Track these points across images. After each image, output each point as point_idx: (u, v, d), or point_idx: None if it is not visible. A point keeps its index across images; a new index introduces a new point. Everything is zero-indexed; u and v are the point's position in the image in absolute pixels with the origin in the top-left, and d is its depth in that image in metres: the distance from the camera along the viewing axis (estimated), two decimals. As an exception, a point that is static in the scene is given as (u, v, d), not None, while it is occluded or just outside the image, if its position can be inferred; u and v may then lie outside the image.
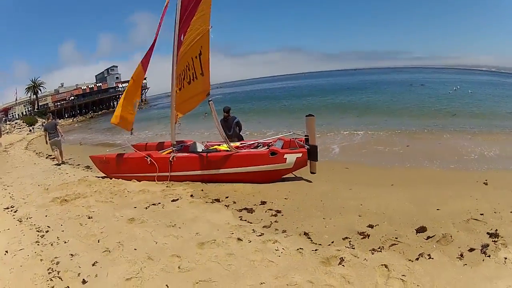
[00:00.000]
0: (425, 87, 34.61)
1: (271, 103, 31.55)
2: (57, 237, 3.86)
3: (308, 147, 6.20)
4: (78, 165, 9.86)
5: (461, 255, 2.98)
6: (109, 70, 64.26)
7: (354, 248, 3.26)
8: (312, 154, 6.14)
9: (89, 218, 4.52)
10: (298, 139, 6.63)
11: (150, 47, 6.78)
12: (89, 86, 58.75)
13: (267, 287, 2.64)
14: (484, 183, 5.27)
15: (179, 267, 3.02)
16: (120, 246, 3.52)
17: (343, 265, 2.92)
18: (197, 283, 2.76)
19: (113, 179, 6.83)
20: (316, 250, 3.26)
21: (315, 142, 6.20)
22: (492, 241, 3.14)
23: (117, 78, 63.51)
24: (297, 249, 3.26)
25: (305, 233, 3.73)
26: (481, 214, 3.83)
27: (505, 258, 2.79)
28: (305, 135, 6.58)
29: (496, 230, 3.35)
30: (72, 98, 53.55)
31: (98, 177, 7.22)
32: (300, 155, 6.06)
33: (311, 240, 3.55)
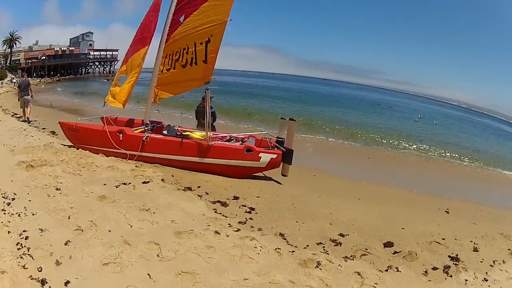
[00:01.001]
0: (392, 110, 36.16)
1: (240, 99, 30.08)
2: (25, 207, 3.59)
3: (284, 149, 6.27)
4: (44, 129, 9.31)
5: (426, 272, 3.27)
6: (84, 35, 60.60)
7: (328, 254, 3.44)
8: (287, 157, 6.22)
9: (57, 189, 4.28)
10: (270, 139, 6.67)
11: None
12: (62, 49, 55.02)
13: (251, 284, 2.69)
14: (445, 211, 5.67)
15: (158, 255, 2.96)
16: (93, 225, 3.37)
17: (320, 269, 3.06)
18: (179, 274, 2.71)
19: (80, 150, 6.51)
20: (293, 251, 3.38)
21: (292, 146, 6.28)
22: (453, 263, 3.49)
23: (90, 45, 60.32)
24: (275, 248, 3.36)
25: (281, 234, 3.85)
26: (443, 239, 4.19)
27: (466, 280, 3.12)
28: (277, 137, 6.66)
29: (457, 254, 3.71)
30: (44, 58, 49.78)
31: (64, 145, 6.84)
32: (275, 156, 6.11)
33: (287, 242, 3.67)
